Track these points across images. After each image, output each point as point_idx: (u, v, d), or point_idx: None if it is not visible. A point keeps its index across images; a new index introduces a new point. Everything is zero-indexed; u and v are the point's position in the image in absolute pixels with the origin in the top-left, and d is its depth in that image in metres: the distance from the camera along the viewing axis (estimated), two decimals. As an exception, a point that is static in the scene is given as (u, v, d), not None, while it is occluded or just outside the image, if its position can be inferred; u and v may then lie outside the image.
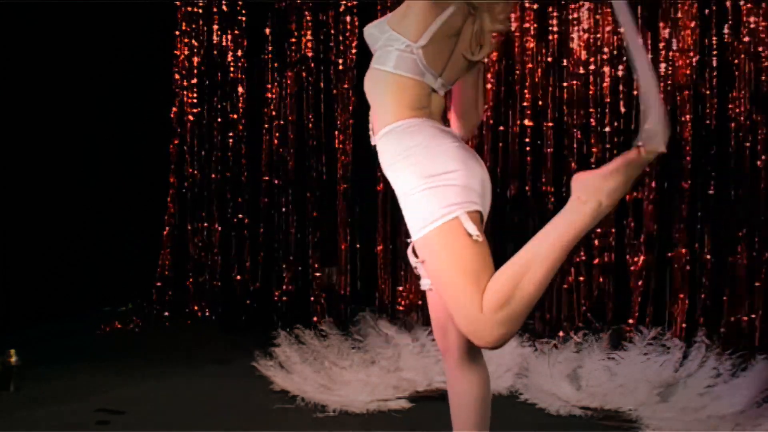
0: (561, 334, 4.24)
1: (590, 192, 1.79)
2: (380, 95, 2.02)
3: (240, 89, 5.27)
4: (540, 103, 4.57)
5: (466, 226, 1.83)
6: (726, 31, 4.20)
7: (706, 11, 4.26)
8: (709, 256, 4.26)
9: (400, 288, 4.81)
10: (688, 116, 4.31)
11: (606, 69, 4.47)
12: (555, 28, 4.52)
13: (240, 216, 5.27)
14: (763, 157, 4.16)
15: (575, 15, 4.49)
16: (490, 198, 1.97)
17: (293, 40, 5.13)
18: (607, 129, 4.48)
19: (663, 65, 4.35)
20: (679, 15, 4.29)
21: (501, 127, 4.63)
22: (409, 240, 1.99)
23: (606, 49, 4.46)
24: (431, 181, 1.87)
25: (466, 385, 2.12)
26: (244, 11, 5.23)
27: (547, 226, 1.83)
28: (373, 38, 2.10)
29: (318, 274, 5.12)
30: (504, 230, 4.52)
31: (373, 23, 2.15)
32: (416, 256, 1.98)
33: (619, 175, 1.79)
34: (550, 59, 4.54)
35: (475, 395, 2.11)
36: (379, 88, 2.03)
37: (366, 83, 2.08)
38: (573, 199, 1.81)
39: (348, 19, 5.02)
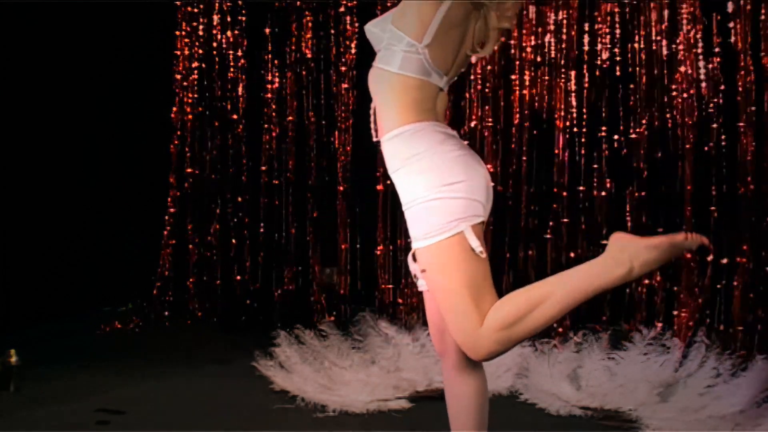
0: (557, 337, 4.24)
1: (626, 257, 1.82)
2: (386, 97, 2.01)
3: (240, 89, 5.27)
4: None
5: (470, 241, 1.86)
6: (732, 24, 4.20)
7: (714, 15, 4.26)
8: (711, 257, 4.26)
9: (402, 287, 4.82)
10: (695, 114, 4.31)
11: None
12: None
13: (240, 216, 5.27)
14: None
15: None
16: (491, 201, 1.99)
17: (293, 40, 5.13)
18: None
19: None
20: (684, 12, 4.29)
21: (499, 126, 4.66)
22: (409, 241, 2.00)
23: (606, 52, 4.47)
24: (437, 192, 1.88)
25: (463, 387, 2.12)
26: (244, 11, 5.23)
27: (575, 270, 1.87)
28: (376, 37, 2.08)
29: (318, 274, 5.12)
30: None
31: (373, 21, 2.13)
32: (415, 261, 2.00)
33: (659, 251, 1.83)
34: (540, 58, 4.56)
35: (472, 397, 2.11)
36: (384, 88, 2.01)
37: (371, 83, 2.06)
38: (607, 257, 1.85)
39: (348, 19, 5.02)
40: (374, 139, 2.07)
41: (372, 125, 2.08)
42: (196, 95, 5.28)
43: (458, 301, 1.86)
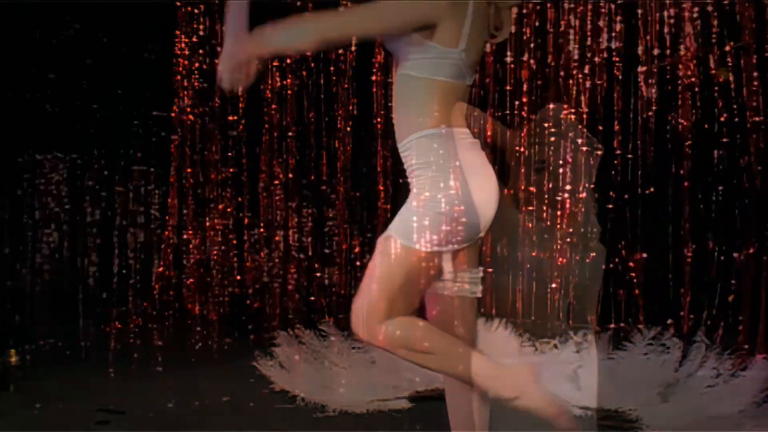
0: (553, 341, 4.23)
1: (521, 390, 1.98)
2: (412, 100, 2.02)
3: (240, 89, 5.26)
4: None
5: (444, 265, 1.98)
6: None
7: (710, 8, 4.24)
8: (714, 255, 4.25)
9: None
10: (694, 111, 4.30)
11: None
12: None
13: (240, 216, 5.27)
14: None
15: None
16: (495, 208, 2.01)
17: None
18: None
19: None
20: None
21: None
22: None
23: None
24: (443, 207, 1.93)
25: (464, 387, 2.11)
26: (244, 11, 5.22)
27: (479, 358, 1.98)
28: (400, 44, 2.05)
29: (318, 274, 5.12)
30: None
31: None
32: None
33: (547, 412, 2.00)
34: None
35: (473, 397, 2.12)
36: (412, 93, 2.02)
37: (396, 88, 2.05)
38: (509, 376, 1.98)
39: (348, 19, 5.01)
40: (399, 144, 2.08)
41: (396, 128, 2.09)
42: (196, 95, 5.27)
43: (382, 294, 1.97)
